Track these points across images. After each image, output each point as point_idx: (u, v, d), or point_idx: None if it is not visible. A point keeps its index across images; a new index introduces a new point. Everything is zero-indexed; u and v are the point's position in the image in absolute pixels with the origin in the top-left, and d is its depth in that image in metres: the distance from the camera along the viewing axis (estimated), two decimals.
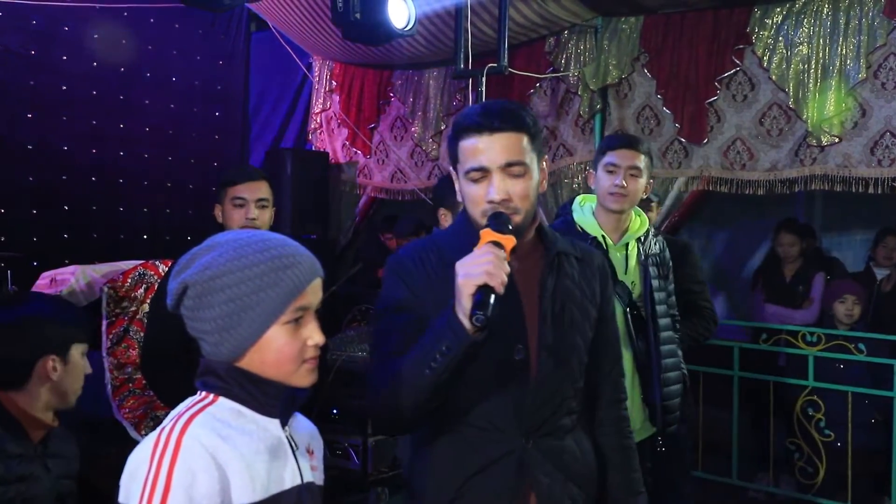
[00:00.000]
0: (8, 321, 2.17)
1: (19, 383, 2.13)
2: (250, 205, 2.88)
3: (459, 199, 1.81)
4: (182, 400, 1.43)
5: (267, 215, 2.92)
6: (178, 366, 2.77)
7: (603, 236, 2.81)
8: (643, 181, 2.81)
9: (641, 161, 2.78)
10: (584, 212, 2.88)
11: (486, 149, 1.71)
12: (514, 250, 1.64)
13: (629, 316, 2.79)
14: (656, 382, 2.80)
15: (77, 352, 2.20)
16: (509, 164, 1.71)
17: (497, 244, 1.59)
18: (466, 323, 1.53)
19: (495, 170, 1.71)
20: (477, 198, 1.73)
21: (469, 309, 1.52)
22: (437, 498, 1.75)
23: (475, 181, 1.73)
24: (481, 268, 1.53)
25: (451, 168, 1.84)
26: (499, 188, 1.70)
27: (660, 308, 2.85)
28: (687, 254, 3.37)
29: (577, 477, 1.81)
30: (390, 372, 1.65)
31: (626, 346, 2.79)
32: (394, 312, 1.73)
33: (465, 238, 1.74)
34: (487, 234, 1.62)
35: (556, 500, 1.76)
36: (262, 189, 2.91)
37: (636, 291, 2.82)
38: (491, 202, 1.70)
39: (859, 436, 4.27)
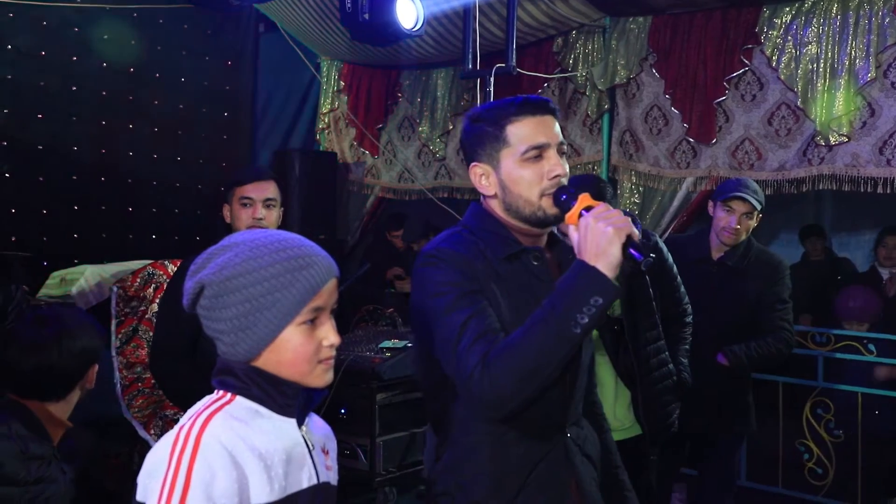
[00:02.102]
0: (55, 336, 2.15)
1: (63, 394, 2.15)
2: (257, 205, 2.88)
3: (493, 191, 1.81)
4: (190, 398, 1.43)
5: (274, 215, 2.92)
6: (186, 365, 2.79)
7: None
8: None
9: None
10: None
11: (542, 127, 1.77)
12: (550, 239, 1.80)
13: (609, 333, 2.77)
14: (638, 394, 2.77)
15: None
16: (561, 143, 1.80)
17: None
18: (610, 273, 1.58)
19: (554, 146, 1.77)
20: (535, 177, 1.76)
21: (618, 258, 1.59)
22: (498, 498, 1.74)
23: (532, 161, 1.76)
24: (621, 220, 1.60)
25: (478, 162, 1.82)
26: (561, 162, 1.77)
27: (644, 323, 2.79)
28: (779, 271, 3.42)
29: (595, 461, 1.88)
30: (507, 346, 1.62)
31: (606, 360, 2.79)
32: (470, 295, 1.70)
33: (499, 232, 1.80)
34: (586, 199, 1.69)
35: (588, 485, 1.82)
36: (269, 189, 2.92)
37: (616, 310, 2.79)
38: (556, 177, 1.75)
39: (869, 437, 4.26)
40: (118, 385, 4.12)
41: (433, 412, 1.88)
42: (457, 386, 1.70)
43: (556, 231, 1.94)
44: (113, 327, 4.20)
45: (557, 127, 1.81)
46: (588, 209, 1.67)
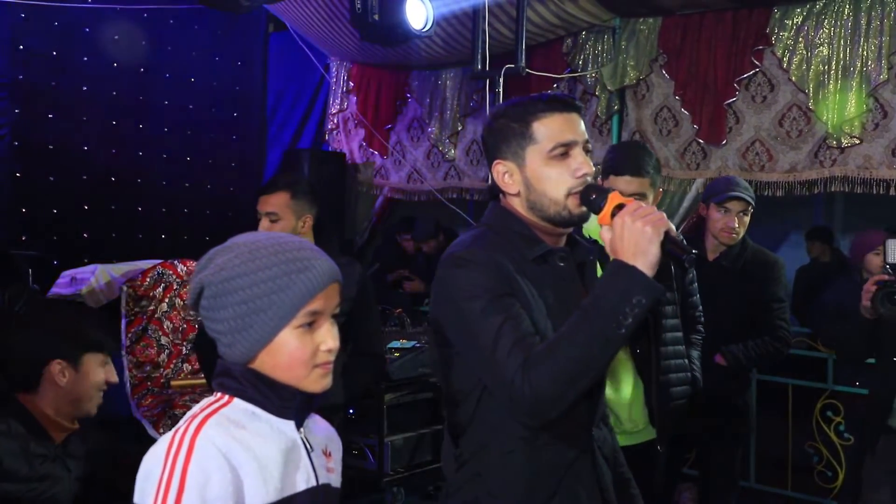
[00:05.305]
0: (24, 323, 2.26)
1: (32, 385, 2.16)
2: (262, 219, 2.86)
3: (516, 189, 1.78)
4: None
5: (278, 228, 2.83)
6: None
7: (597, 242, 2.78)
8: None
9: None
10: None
11: (570, 125, 1.74)
12: (570, 239, 1.80)
13: None
14: (654, 385, 2.74)
15: (93, 361, 2.21)
16: (586, 141, 1.76)
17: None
18: (649, 272, 1.55)
19: (580, 143, 1.74)
20: (563, 175, 1.72)
21: (657, 256, 1.55)
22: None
23: (559, 158, 1.72)
24: (659, 217, 1.58)
25: (502, 160, 1.78)
26: (587, 160, 1.74)
27: (665, 310, 2.77)
28: (773, 269, 3.37)
29: (611, 462, 1.87)
30: (548, 350, 1.58)
31: (627, 356, 2.77)
32: (504, 298, 1.66)
33: (525, 233, 1.76)
34: (616, 197, 1.66)
35: (609, 487, 1.81)
36: (269, 202, 2.87)
37: None
38: (583, 175, 1.71)
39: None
40: (128, 384, 4.14)
41: (456, 418, 1.82)
42: (494, 392, 1.66)
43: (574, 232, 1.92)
44: (122, 327, 4.22)
45: (583, 125, 1.77)
46: (619, 207, 1.63)
